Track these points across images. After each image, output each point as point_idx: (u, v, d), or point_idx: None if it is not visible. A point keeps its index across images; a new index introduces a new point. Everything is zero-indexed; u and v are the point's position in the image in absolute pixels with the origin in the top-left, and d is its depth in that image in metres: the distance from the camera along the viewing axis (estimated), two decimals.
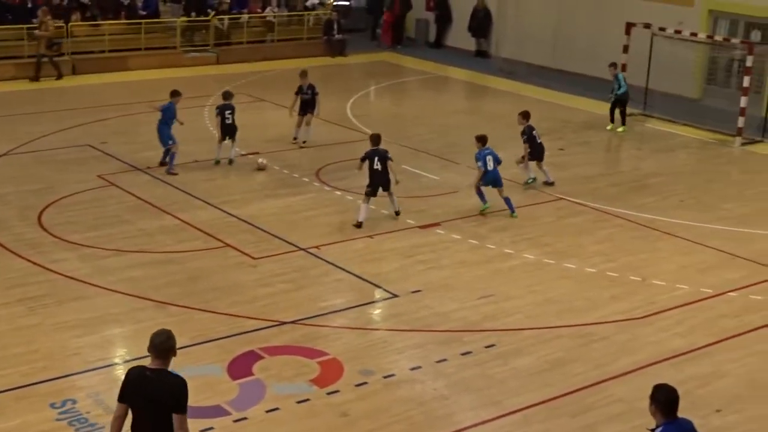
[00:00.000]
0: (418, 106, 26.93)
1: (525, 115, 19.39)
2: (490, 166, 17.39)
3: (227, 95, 20.41)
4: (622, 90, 23.88)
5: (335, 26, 32.97)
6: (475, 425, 10.95)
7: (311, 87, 21.70)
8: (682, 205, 18.78)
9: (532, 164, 19.39)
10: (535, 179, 19.53)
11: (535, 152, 19.31)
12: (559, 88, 28.35)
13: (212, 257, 15.40)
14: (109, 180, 18.82)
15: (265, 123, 24.17)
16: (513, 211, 17.56)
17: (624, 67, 25.29)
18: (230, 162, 20.14)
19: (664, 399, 7.96)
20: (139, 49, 29.83)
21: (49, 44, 27.30)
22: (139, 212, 17.23)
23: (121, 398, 7.98)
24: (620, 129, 24.19)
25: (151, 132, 20.46)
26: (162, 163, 19.61)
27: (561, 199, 18.80)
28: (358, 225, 16.72)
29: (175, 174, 19.20)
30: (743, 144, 23.32)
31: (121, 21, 30.09)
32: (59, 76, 27.49)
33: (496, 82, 29.78)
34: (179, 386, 7.86)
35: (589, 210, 18.29)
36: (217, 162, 20.04)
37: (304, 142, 21.76)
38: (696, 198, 19.31)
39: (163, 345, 7.86)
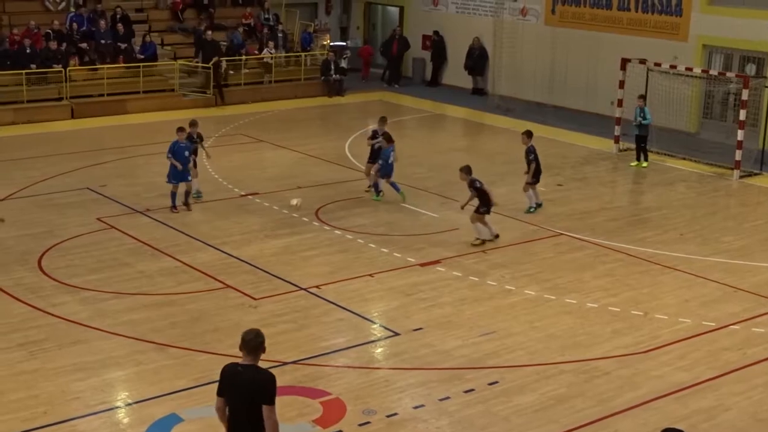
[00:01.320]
0: (416, 145, 26.98)
1: (529, 134, 19.95)
2: (391, 159, 20.31)
3: (193, 123, 20.51)
4: (647, 121, 23.89)
5: (332, 67, 33.14)
6: None
7: (385, 133, 21.08)
8: (682, 239, 18.79)
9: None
10: (540, 205, 19.75)
11: (538, 172, 19.82)
12: (556, 124, 28.44)
13: (213, 298, 15.38)
14: (108, 223, 18.83)
15: (263, 163, 24.24)
16: (398, 191, 20.39)
17: (620, 103, 25.41)
18: (194, 196, 20.28)
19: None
20: (138, 93, 29.96)
21: None
22: (138, 254, 17.22)
23: (220, 392, 8.77)
24: (645, 164, 24.28)
25: (150, 174, 20.57)
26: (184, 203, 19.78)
27: (561, 234, 18.81)
28: (496, 236, 18.23)
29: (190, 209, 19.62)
30: (741, 177, 23.36)
31: (120, 65, 30.23)
32: None
33: (493, 119, 29.88)
34: (268, 380, 8.54)
35: (588, 245, 18.29)
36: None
37: (369, 187, 21.34)
38: (696, 231, 19.32)
39: (252, 342, 8.54)
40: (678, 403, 12.17)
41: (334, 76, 33.11)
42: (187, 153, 19.49)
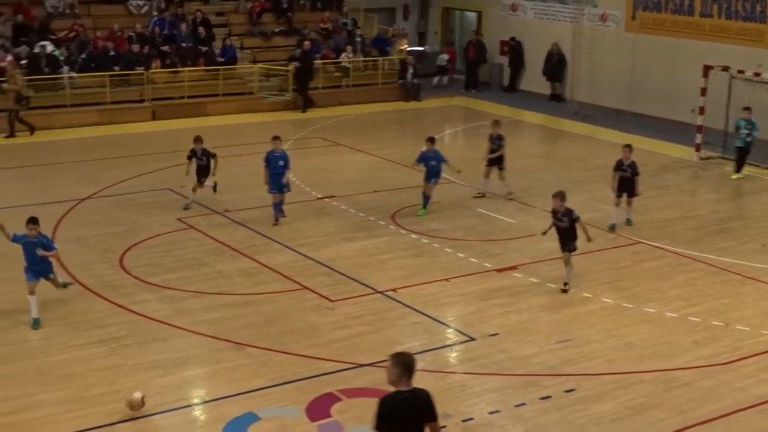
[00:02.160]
0: None
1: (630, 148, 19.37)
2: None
3: (197, 139, 20.17)
4: (757, 132, 23.30)
5: (410, 71, 33.18)
6: None
7: (499, 137, 21.21)
8: (764, 250, 18.41)
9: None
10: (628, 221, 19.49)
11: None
12: (635, 132, 28.04)
13: (290, 299, 15.49)
14: (188, 223, 19.09)
15: (340, 167, 24.35)
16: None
17: (702, 111, 25.01)
18: (215, 189, 20.32)
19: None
20: (217, 95, 30.33)
21: (17, 98, 26.32)
22: (217, 255, 17.42)
23: (380, 428, 8.23)
24: (741, 176, 23.67)
25: (228, 176, 20.80)
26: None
27: (639, 242, 18.57)
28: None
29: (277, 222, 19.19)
30: None
31: (200, 68, 30.64)
32: (32, 131, 26.57)
33: (572, 126, 29.64)
34: (430, 398, 8.34)
35: (668, 254, 18.03)
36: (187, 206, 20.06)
37: (509, 194, 21.34)
38: None
39: (412, 364, 8.18)
40: (760, 416, 11.93)
41: (410, 80, 33.14)
42: (281, 163, 19.02)
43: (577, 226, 15.96)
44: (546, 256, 17.54)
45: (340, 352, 13.56)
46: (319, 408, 11.98)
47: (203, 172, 20.04)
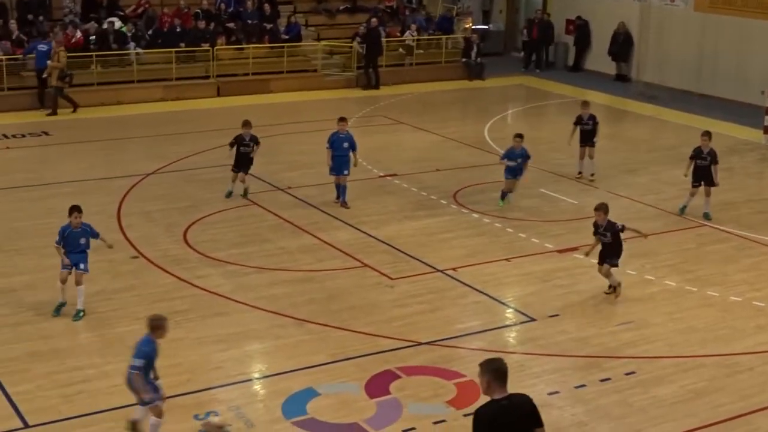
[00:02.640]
0: (557, 130, 26.61)
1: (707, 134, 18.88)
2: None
3: (245, 124, 19.24)
4: None
5: (474, 49, 33.01)
6: None
7: (592, 117, 21.07)
8: None
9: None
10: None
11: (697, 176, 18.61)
12: (702, 113, 27.69)
13: (350, 277, 15.58)
14: (251, 199, 19.25)
15: (401, 145, 24.38)
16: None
17: None
18: (244, 194, 19.25)
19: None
20: (281, 72, 30.49)
21: (61, 76, 26.27)
22: (279, 231, 17.57)
23: None
24: None
25: (292, 153, 20.93)
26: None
27: (703, 225, 18.34)
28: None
29: (347, 207, 18.96)
30: None
31: (265, 45, 30.80)
32: (75, 108, 26.63)
33: (637, 106, 29.29)
34: (532, 402, 7.82)
35: (732, 237, 17.80)
36: (230, 194, 19.29)
37: (591, 175, 21.16)
38: None
39: (503, 369, 7.68)
40: None
41: (474, 59, 32.99)
42: (346, 144, 18.78)
43: (625, 233, 14.80)
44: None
45: (399, 330, 13.63)
46: (378, 385, 12.06)
47: (246, 162, 19.11)
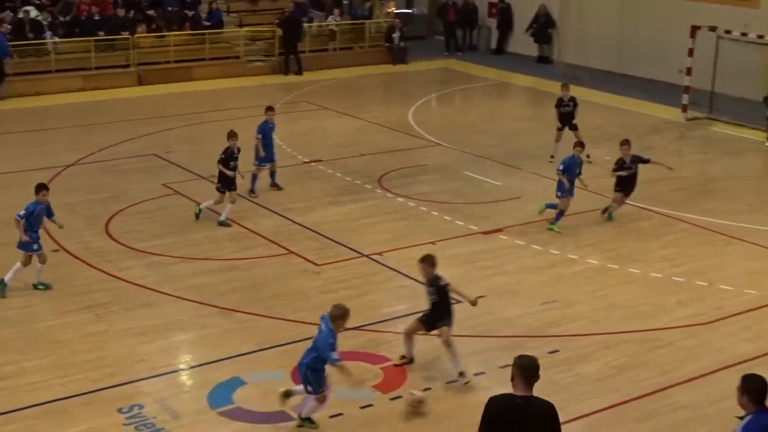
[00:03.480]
0: (480, 113, 26.89)
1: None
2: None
3: (231, 135, 17.47)
4: None
5: (397, 34, 33.02)
6: None
7: (572, 99, 21.12)
8: (750, 209, 18.50)
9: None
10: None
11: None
12: (623, 93, 28.10)
13: (276, 264, 15.52)
14: (174, 189, 19.06)
15: (326, 131, 24.33)
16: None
17: (689, 71, 24.98)
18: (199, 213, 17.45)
19: (755, 388, 7.91)
20: (203, 60, 30.19)
21: None
22: (203, 220, 17.40)
23: (488, 429, 7.41)
24: None
25: (215, 141, 20.68)
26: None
27: (624, 204, 18.58)
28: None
29: (281, 188, 19.01)
30: None
31: (186, 32, 30.45)
32: None
33: (558, 87, 29.49)
34: (552, 411, 7.41)
35: (653, 215, 18.09)
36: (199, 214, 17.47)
37: (551, 156, 20.93)
38: (765, 202, 19.00)
39: (531, 367, 7.38)
40: (740, 376, 11.98)
41: (397, 43, 32.99)
42: (274, 134, 18.79)
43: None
44: (531, 218, 17.59)
45: None
46: None
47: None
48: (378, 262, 15.63)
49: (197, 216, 17.32)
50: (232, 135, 17.38)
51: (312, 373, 10.63)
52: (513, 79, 31.10)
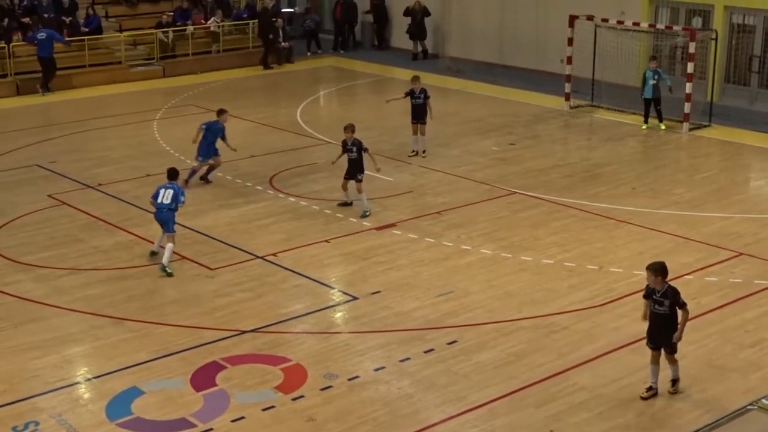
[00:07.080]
0: (367, 109, 26.96)
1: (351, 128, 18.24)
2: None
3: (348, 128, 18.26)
4: (666, 81, 23.45)
5: (280, 33, 32.85)
6: (441, 422, 10.97)
7: (423, 91, 21.12)
8: (634, 193, 18.96)
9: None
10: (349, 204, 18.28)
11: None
12: (506, 84, 28.53)
13: None
14: (60, 199, 18.62)
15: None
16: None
17: (570, 60, 25.47)
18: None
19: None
20: (84, 66, 29.54)
21: None
22: (92, 230, 17.05)
23: None
24: (663, 127, 23.79)
25: (101, 148, 20.34)
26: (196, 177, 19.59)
27: (514, 193, 18.89)
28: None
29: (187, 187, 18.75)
30: (690, 129, 23.57)
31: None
32: None
33: (444, 81, 29.81)
34: None
35: (542, 202, 18.40)
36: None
37: (423, 151, 21.25)
38: (647, 185, 19.50)
39: None
40: (635, 354, 12.30)
41: (281, 43, 32.83)
42: (220, 135, 19.40)
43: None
44: (423, 211, 17.72)
45: (223, 320, 13.48)
46: (203, 377, 11.89)
47: (356, 167, 17.78)
48: (273, 263, 15.54)
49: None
50: (347, 129, 18.11)
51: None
52: (396, 74, 31.20)
